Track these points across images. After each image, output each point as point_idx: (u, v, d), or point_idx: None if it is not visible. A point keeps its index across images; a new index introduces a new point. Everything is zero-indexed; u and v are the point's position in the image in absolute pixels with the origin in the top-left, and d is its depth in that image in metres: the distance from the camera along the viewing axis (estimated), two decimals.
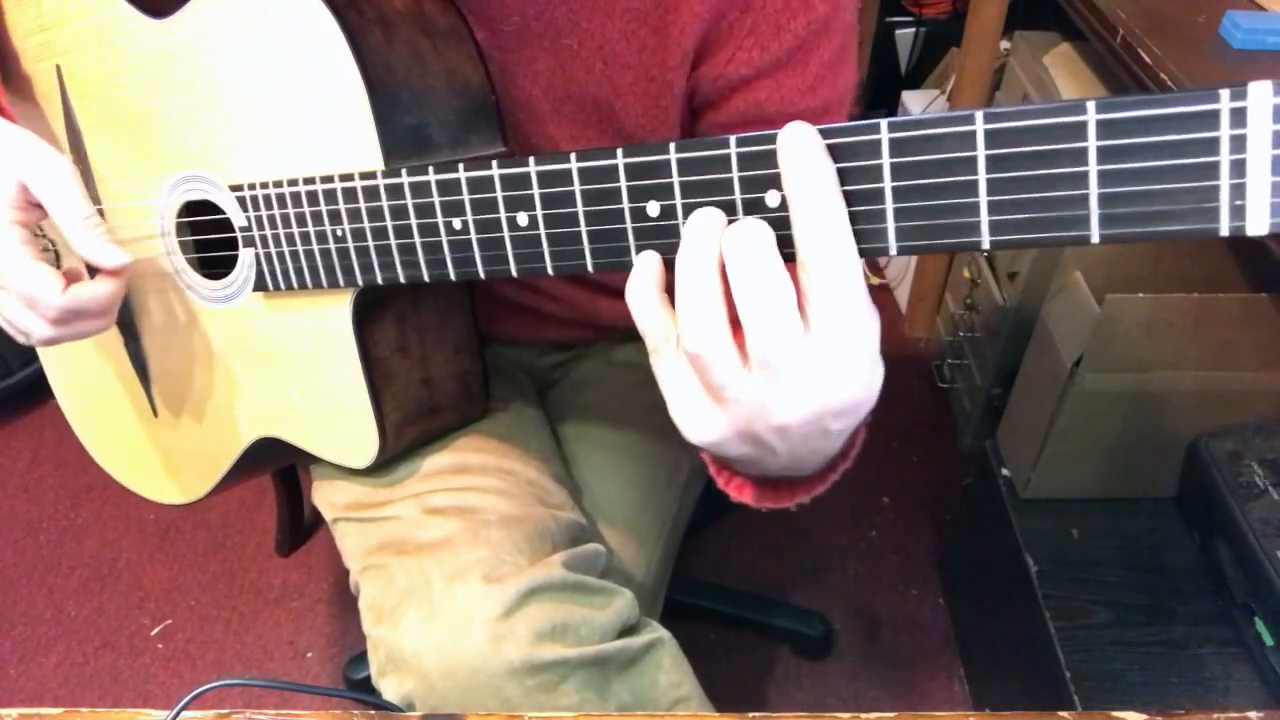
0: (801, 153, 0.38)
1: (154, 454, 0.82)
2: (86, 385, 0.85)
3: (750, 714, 0.54)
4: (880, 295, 1.95)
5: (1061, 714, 0.53)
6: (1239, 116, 0.31)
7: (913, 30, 1.97)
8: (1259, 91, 0.31)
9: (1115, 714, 0.52)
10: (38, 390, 1.65)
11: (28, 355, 1.63)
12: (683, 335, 0.41)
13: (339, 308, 0.61)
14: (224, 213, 0.64)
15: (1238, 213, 0.32)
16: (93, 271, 0.63)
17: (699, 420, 0.43)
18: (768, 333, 0.39)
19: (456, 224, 0.50)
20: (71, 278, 0.61)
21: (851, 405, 0.41)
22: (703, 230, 0.41)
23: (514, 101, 0.66)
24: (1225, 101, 0.31)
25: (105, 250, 0.61)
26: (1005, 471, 1.15)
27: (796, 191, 0.38)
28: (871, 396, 0.42)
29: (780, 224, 0.40)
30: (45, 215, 0.61)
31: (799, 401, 0.41)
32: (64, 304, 0.60)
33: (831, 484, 0.51)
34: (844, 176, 0.39)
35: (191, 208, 0.67)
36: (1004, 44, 1.53)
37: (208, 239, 0.68)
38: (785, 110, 0.65)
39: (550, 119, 0.67)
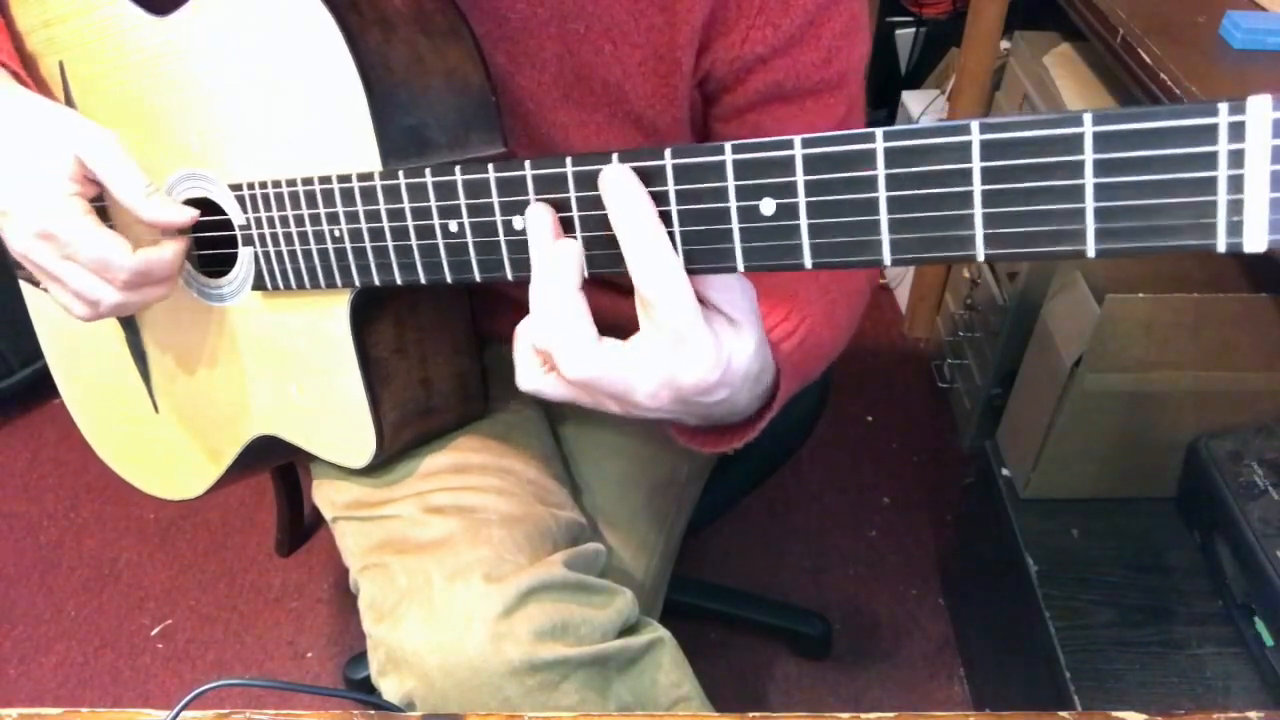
0: (620, 193, 0.42)
1: (154, 450, 0.83)
2: (89, 380, 0.85)
3: (750, 714, 0.54)
4: (880, 295, 1.95)
5: (1061, 714, 0.53)
6: (1237, 131, 0.31)
7: (913, 30, 1.96)
8: (1258, 106, 0.30)
9: (1115, 714, 0.52)
10: (38, 390, 1.65)
11: (28, 355, 1.63)
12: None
13: (337, 308, 0.61)
14: (224, 211, 0.64)
15: (1235, 229, 0.31)
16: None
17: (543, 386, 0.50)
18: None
19: (453, 226, 0.50)
20: None
21: (702, 384, 0.46)
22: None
23: (522, 90, 0.65)
24: (1224, 115, 0.31)
25: (171, 210, 0.61)
26: (1005, 471, 1.15)
27: (619, 227, 0.43)
28: (725, 375, 0.47)
29: (775, 233, 0.40)
30: (98, 190, 0.61)
31: (647, 381, 0.46)
32: (136, 265, 0.60)
33: (760, 429, 0.58)
34: (838, 187, 0.38)
35: (192, 205, 0.67)
36: (1004, 44, 1.53)
37: (208, 236, 0.68)
38: (802, 85, 0.65)
39: (559, 105, 0.67)
